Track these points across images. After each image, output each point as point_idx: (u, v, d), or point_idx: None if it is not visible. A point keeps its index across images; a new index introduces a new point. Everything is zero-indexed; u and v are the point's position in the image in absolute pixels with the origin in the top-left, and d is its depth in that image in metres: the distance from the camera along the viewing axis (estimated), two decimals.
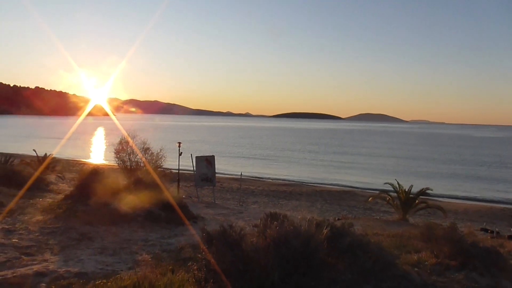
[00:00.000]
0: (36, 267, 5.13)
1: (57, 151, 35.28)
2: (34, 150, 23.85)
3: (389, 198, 15.96)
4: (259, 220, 4.20)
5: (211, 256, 3.72)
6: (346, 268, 4.14)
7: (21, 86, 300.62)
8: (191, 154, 18.54)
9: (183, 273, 4.43)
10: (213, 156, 18.53)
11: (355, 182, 33.69)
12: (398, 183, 15.54)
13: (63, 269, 5.10)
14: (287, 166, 43.99)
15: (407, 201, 15.18)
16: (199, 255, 3.96)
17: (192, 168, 18.46)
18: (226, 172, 34.77)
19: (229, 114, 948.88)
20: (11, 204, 10.64)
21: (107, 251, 6.47)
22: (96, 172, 12.55)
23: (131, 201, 10.44)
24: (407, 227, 10.98)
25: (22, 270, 4.96)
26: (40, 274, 4.82)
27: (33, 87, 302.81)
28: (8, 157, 23.92)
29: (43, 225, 7.85)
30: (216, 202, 17.87)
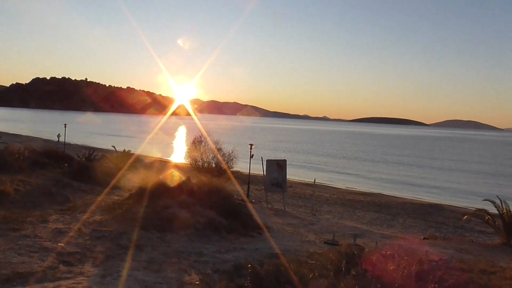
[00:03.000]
0: (65, 284, 4.44)
1: (138, 148, 36.79)
2: (113, 146, 24.82)
3: (488, 218, 13.72)
4: (329, 261, 2.97)
5: None
6: None
7: (115, 86, 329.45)
8: (262, 157, 17.66)
9: None
10: (284, 161, 17.40)
11: (441, 196, 30.34)
12: (500, 200, 13.22)
13: None
14: (365, 176, 41.30)
15: None
16: None
17: (262, 172, 17.56)
18: (299, 177, 33.51)
19: (306, 117, 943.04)
20: (77, 200, 10.58)
21: (153, 265, 5.68)
22: (161, 172, 12.20)
23: (192, 205, 9.79)
24: None
25: (49, 287, 4.29)
26: None
27: (125, 87, 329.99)
28: (92, 151, 25.27)
29: (96, 227, 7.36)
30: (286, 210, 16.73)
